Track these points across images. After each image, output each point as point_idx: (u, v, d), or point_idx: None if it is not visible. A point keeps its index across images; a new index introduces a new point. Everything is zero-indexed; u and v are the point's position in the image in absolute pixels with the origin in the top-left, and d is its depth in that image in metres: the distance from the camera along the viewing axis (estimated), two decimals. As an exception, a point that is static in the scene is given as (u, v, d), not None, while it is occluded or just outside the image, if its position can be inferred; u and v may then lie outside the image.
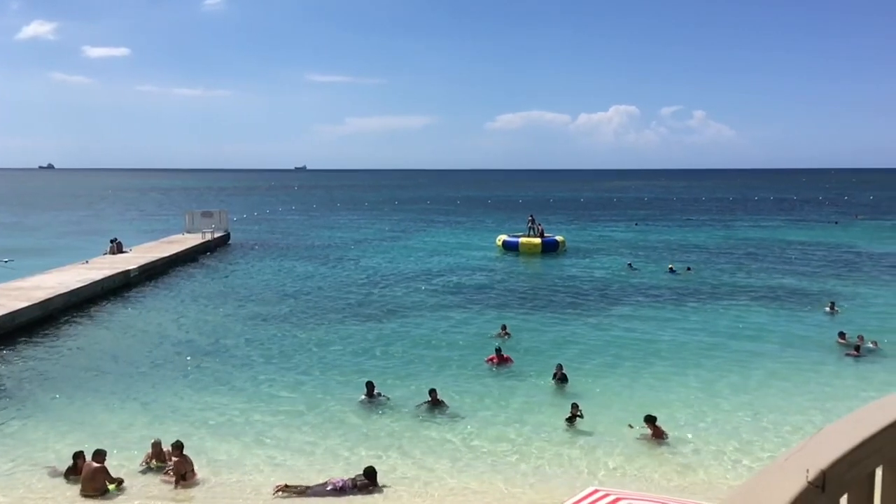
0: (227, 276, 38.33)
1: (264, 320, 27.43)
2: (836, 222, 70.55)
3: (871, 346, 21.97)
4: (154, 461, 14.14)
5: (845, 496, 1.46)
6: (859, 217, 77.00)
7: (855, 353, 21.55)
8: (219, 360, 22.04)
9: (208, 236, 48.97)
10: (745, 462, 14.44)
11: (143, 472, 14.05)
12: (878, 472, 1.61)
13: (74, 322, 26.97)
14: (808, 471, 1.26)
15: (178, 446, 13.80)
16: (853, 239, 54.79)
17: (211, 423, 16.72)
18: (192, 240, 47.81)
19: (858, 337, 22.42)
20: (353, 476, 13.34)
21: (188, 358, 22.14)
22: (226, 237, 52.62)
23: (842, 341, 22.78)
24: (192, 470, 13.67)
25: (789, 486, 1.22)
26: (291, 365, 21.45)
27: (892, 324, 25.01)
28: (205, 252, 46.39)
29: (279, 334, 25.22)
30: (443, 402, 17.40)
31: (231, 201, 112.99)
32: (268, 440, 15.66)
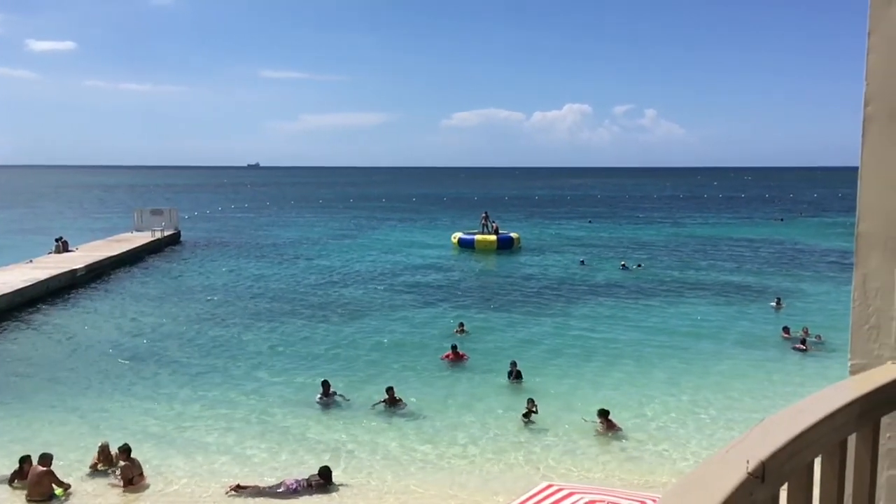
0: (177, 277, 37.60)
1: (217, 322, 26.98)
2: (782, 219, 72.47)
3: (815, 339, 22.62)
4: (101, 465, 13.82)
5: (785, 486, 1.50)
6: (803, 214, 79.22)
7: (801, 346, 22.19)
8: (170, 362, 21.61)
9: (158, 235, 48.00)
10: (694, 454, 14.74)
11: (91, 475, 13.72)
12: (818, 462, 1.65)
13: (17, 324, 26.14)
14: (748, 462, 1.29)
15: (125, 450, 13.50)
16: (797, 236, 56.36)
17: (161, 426, 16.38)
18: (141, 238, 46.79)
19: (803, 330, 23.05)
20: (307, 476, 13.23)
21: (137, 361, 21.64)
22: (176, 236, 51.64)
23: (786, 336, 23.42)
24: (141, 474, 13.39)
25: (730, 477, 1.25)
26: (246, 367, 21.14)
27: (836, 317, 25.77)
28: (154, 251, 45.46)
29: (232, 336, 24.84)
30: (400, 400, 17.36)
31: (181, 199, 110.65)
32: (220, 442, 15.42)
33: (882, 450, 1.92)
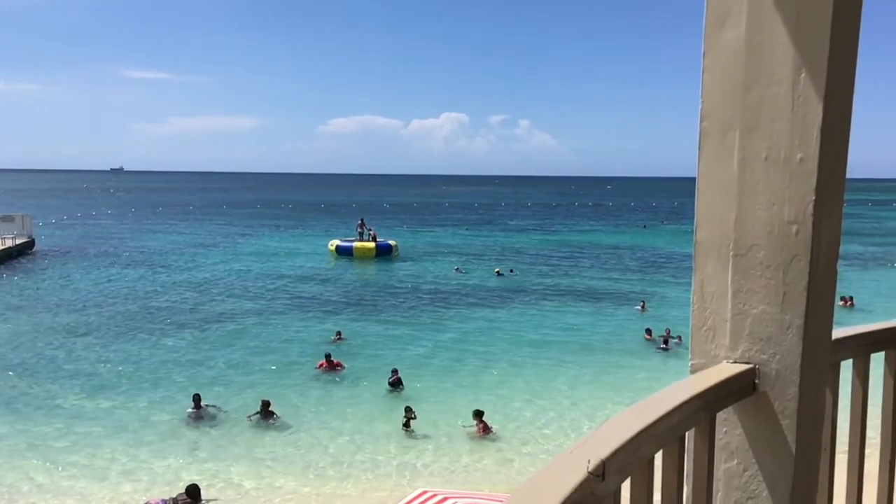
0: (30, 288, 34.97)
1: (76, 335, 25.28)
2: (645, 226, 76.56)
3: (676, 341, 23.97)
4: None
5: (627, 482, 1.57)
6: (664, 222, 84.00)
7: (664, 347, 23.54)
8: (21, 379, 20.04)
9: (9, 243, 44.66)
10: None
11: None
12: (659, 457, 1.74)
13: None
14: (589, 461, 1.34)
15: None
16: (659, 242, 59.73)
17: (9, 449, 15.17)
18: (-11, 247, 43.29)
19: (666, 330, 24.40)
20: (174, 495, 12.64)
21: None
22: (29, 244, 48.08)
23: (648, 338, 24.75)
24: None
25: (571, 476, 1.29)
26: (107, 382, 19.94)
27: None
28: (4, 260, 42.14)
29: (92, 350, 23.36)
30: (273, 412, 16.93)
31: (29, 205, 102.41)
32: (79, 462, 14.47)
33: (719, 444, 2.05)
